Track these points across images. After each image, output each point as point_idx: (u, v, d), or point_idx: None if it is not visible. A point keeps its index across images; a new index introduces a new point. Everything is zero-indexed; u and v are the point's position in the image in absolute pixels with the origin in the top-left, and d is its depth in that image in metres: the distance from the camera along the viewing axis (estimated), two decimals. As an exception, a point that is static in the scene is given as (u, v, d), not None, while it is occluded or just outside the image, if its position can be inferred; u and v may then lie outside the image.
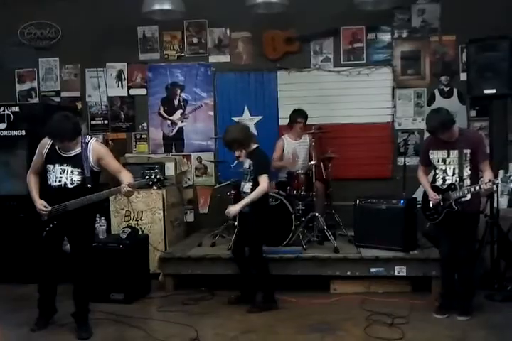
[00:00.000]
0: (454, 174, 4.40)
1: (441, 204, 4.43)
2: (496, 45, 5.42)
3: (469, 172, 4.36)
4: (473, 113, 6.51)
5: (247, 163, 4.88)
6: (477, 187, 4.17)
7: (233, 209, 4.72)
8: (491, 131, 5.71)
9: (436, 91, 6.59)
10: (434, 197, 4.48)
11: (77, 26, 6.90)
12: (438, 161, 4.50)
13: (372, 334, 4.14)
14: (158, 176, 4.39)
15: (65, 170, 4.19)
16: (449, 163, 4.43)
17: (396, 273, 5.10)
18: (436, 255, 4.84)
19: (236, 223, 5.22)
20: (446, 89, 6.58)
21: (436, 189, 4.50)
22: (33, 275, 5.47)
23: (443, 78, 6.58)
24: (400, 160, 6.42)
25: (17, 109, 6.02)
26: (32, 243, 5.61)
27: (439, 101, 6.50)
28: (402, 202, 5.33)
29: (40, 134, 4.37)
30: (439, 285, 4.78)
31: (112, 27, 6.81)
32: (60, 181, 4.19)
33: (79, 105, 7.08)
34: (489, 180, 4.09)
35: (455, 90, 6.54)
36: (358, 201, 5.58)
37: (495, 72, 5.36)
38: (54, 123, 4.14)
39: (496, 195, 5.19)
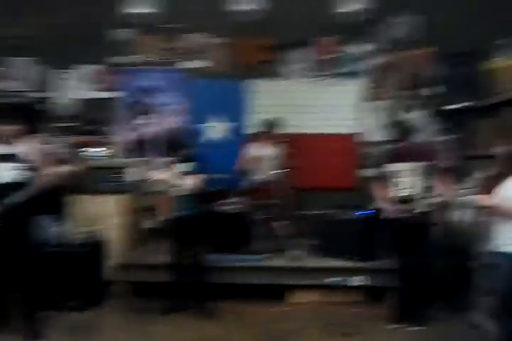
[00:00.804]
0: (408, 187, 4.42)
1: (398, 216, 4.44)
2: (465, 61, 5.48)
3: (425, 184, 4.38)
4: (439, 126, 6.53)
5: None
6: (428, 201, 4.21)
7: None
8: (454, 145, 5.72)
9: (403, 103, 6.60)
10: (390, 210, 4.50)
11: (47, 26, 6.78)
12: (395, 173, 4.52)
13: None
14: None
15: (6, 166, 4.15)
16: (405, 175, 4.45)
17: (353, 283, 5.08)
18: (392, 265, 4.83)
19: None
20: (413, 102, 6.60)
21: (393, 201, 4.50)
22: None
23: (411, 91, 6.60)
24: (364, 172, 6.42)
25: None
26: None
27: (405, 114, 6.51)
28: (362, 213, 5.34)
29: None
30: (394, 295, 4.76)
31: (84, 28, 6.70)
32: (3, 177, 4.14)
33: (45, 106, 6.95)
34: (441, 193, 4.11)
35: (422, 104, 6.57)
36: (321, 211, 5.58)
37: (464, 86, 5.42)
38: None
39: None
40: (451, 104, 5.48)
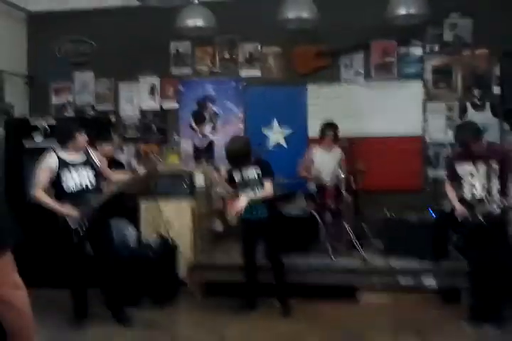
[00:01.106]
0: (482, 188, 4.35)
1: (470, 218, 4.37)
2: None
3: (498, 186, 4.31)
4: (506, 126, 6.43)
5: (252, 173, 4.89)
6: (505, 203, 4.12)
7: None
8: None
9: (468, 104, 6.54)
10: (461, 212, 4.44)
11: (111, 40, 7.07)
12: (466, 175, 4.45)
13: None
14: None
15: (81, 174, 4.52)
16: (477, 176, 4.38)
17: (425, 284, 5.02)
18: (466, 267, 4.76)
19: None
20: (478, 102, 6.53)
21: (464, 203, 4.44)
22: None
23: (475, 91, 6.53)
24: (431, 173, 6.38)
25: (53, 122, 6.13)
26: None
27: (472, 115, 6.44)
28: (433, 214, 5.28)
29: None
30: (468, 296, 4.68)
31: (146, 42, 6.97)
32: (81, 185, 4.50)
33: (112, 118, 7.21)
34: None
35: (488, 103, 6.48)
36: (388, 213, 5.55)
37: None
38: None
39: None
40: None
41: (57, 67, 7.20)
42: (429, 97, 6.63)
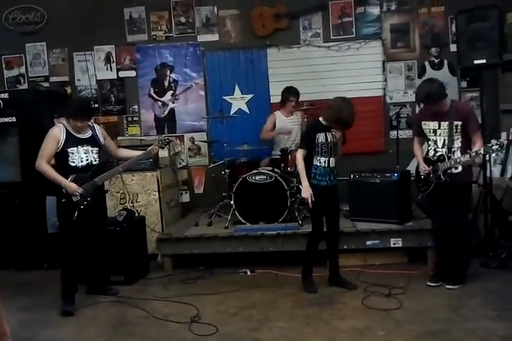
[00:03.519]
0: (443, 145, 4.42)
1: (431, 175, 4.47)
2: (485, 15, 5.34)
3: (459, 144, 4.37)
4: (464, 84, 6.53)
5: (329, 136, 4.63)
6: (462, 158, 4.17)
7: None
8: (482, 101, 5.69)
9: (426, 63, 6.59)
10: (423, 168, 4.52)
11: (62, 9, 6.83)
12: (429, 132, 4.51)
13: (371, 306, 4.20)
14: (166, 139, 4.96)
15: (87, 150, 4.55)
16: (440, 134, 4.44)
17: (392, 245, 5.15)
18: (430, 226, 4.89)
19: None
20: (436, 60, 6.57)
21: (427, 160, 4.53)
22: (30, 262, 5.56)
23: (433, 50, 6.57)
24: (393, 134, 6.47)
25: (6, 95, 5.96)
26: (28, 229, 5.71)
27: (430, 73, 6.47)
28: (395, 174, 5.35)
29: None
30: (434, 255, 4.83)
31: (98, 9, 6.75)
32: (87, 160, 4.53)
33: (68, 90, 7.03)
34: (470, 151, 4.10)
35: (445, 61, 6.54)
36: (352, 175, 5.59)
37: (484, 42, 5.29)
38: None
39: (488, 164, 5.22)
40: (473, 60, 5.38)
41: (7, 37, 6.94)
42: (388, 57, 6.63)
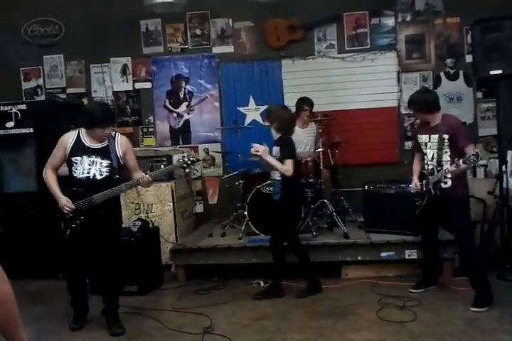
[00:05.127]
0: (433, 158, 4.40)
1: (424, 189, 4.47)
2: (501, 26, 5.32)
3: (448, 158, 4.30)
4: (479, 94, 6.49)
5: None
6: (450, 168, 4.09)
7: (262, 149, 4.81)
8: (498, 111, 5.65)
9: (442, 74, 6.56)
10: (413, 185, 4.56)
11: (79, 22, 6.93)
12: (423, 145, 4.52)
13: (385, 318, 4.16)
14: (191, 158, 4.20)
15: (93, 161, 4.10)
16: (430, 147, 4.43)
17: (407, 257, 5.11)
18: (445, 237, 4.88)
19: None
20: (452, 71, 6.54)
21: (422, 175, 4.55)
22: (45, 271, 5.56)
23: (448, 61, 6.55)
24: (407, 145, 6.44)
25: (24, 107, 6.03)
26: (44, 239, 5.73)
27: (446, 84, 6.47)
28: (410, 186, 5.30)
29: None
30: (450, 266, 4.79)
31: (115, 21, 6.84)
32: (88, 173, 4.09)
33: (85, 101, 7.10)
34: (455, 162, 4.00)
35: (461, 72, 6.51)
36: (366, 186, 5.58)
37: (500, 52, 5.26)
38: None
39: (504, 175, 5.17)
40: (489, 71, 5.35)
41: (26, 50, 7.04)
42: (403, 68, 6.62)
